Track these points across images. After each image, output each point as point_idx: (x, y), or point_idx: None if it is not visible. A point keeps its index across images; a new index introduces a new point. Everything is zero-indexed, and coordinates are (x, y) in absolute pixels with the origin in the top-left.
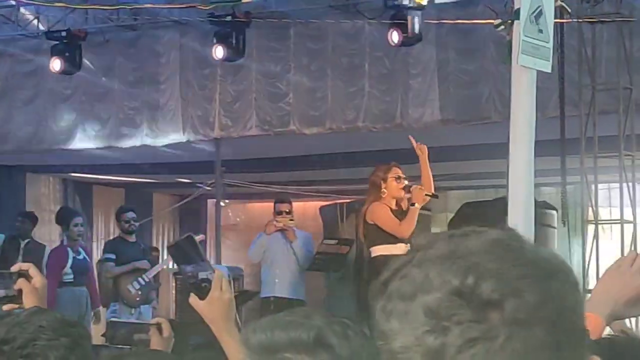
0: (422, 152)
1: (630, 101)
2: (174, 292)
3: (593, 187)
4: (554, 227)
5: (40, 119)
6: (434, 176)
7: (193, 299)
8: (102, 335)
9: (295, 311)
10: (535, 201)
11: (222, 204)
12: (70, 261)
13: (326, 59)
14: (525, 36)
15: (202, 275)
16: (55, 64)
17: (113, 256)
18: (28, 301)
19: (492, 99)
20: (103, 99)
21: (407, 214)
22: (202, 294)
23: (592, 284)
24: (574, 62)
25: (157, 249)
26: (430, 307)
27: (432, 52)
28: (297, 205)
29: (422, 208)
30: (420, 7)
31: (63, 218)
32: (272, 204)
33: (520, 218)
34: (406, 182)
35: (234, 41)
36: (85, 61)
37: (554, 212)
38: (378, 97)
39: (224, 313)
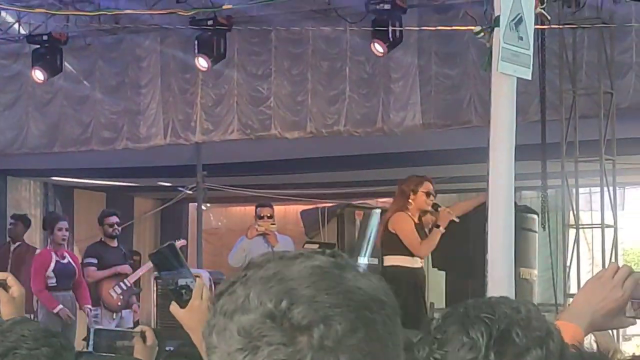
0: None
1: (611, 105)
2: (155, 296)
3: (574, 191)
4: (535, 231)
5: (22, 123)
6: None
7: (173, 307)
8: (83, 340)
9: None
10: (516, 205)
11: (203, 207)
12: (53, 265)
13: (307, 63)
14: (505, 43)
15: (181, 282)
16: (38, 74)
17: (95, 260)
18: (5, 311)
19: (473, 103)
20: (84, 103)
21: (430, 235)
22: (182, 301)
23: (572, 288)
24: (555, 67)
25: (138, 253)
26: (244, 327)
27: (413, 56)
28: (278, 209)
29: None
30: (401, 12)
31: (48, 222)
32: (253, 208)
33: (500, 222)
34: (435, 200)
35: (215, 46)
36: (67, 65)
37: (535, 216)
38: (359, 102)
39: (204, 321)
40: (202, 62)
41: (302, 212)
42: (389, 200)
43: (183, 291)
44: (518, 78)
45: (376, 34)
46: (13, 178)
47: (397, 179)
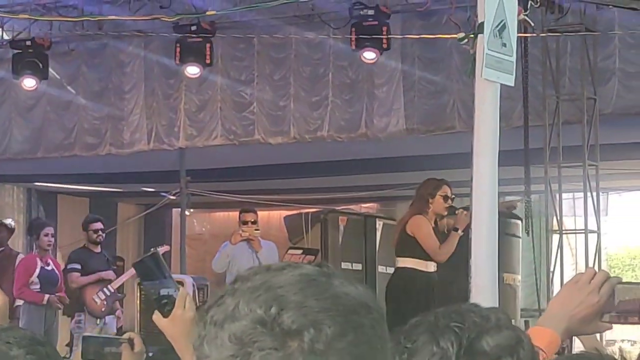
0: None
1: (594, 111)
2: (138, 302)
3: (557, 196)
4: (519, 237)
5: (5, 128)
6: (399, 185)
7: (156, 317)
8: (67, 345)
9: None
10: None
11: (187, 213)
12: (38, 270)
13: (289, 68)
14: (489, 50)
15: (163, 292)
16: (28, 82)
17: (78, 266)
18: None
19: (457, 108)
20: (68, 109)
21: (448, 238)
22: (164, 311)
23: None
24: (538, 73)
25: (121, 259)
26: (235, 334)
27: (397, 61)
28: (261, 214)
29: (388, 218)
30: (385, 17)
31: (34, 228)
32: (237, 214)
33: (484, 227)
34: (453, 204)
35: (198, 51)
36: (50, 70)
37: (519, 221)
38: (342, 107)
39: (186, 331)
40: (191, 70)
41: (286, 218)
42: (373, 205)
43: (165, 301)
44: (501, 84)
45: (365, 41)
46: None
47: (381, 184)
